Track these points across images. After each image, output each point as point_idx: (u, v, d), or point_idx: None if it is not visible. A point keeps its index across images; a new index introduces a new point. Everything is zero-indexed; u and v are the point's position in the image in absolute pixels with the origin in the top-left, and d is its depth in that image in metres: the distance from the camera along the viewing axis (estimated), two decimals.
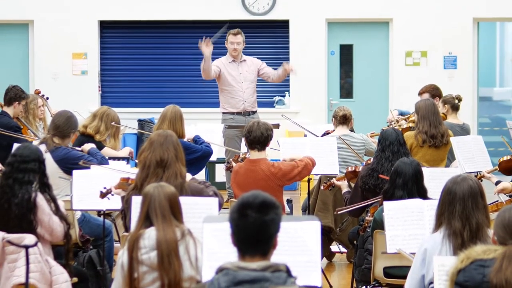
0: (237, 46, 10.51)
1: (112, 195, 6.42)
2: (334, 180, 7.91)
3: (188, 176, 6.42)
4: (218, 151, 9.44)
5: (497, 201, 6.98)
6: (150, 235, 4.86)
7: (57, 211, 5.97)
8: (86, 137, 8.01)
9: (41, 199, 5.87)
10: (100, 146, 8.02)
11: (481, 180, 7.57)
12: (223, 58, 10.65)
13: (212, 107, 13.65)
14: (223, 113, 10.64)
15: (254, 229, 3.41)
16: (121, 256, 4.92)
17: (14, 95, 9.12)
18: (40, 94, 9.74)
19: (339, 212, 7.41)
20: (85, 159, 7.34)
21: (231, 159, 8.34)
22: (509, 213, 3.99)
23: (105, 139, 8.25)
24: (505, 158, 8.02)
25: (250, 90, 10.61)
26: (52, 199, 5.98)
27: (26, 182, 5.86)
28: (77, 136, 8.01)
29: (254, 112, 10.63)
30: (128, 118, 13.21)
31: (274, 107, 14.14)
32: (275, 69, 10.93)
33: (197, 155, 8.17)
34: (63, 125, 7.46)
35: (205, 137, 8.70)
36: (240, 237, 3.44)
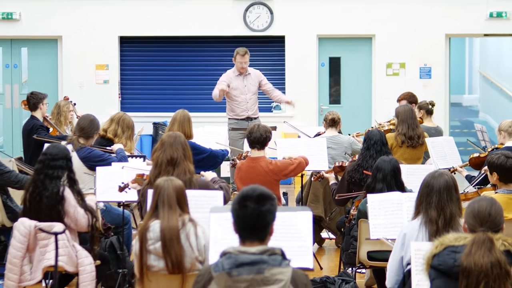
0: (245, 65, 10.57)
1: (129, 189, 6.40)
2: (323, 172, 7.93)
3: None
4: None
5: (467, 191, 6.98)
6: (154, 228, 4.86)
7: (82, 203, 5.96)
8: (105, 140, 7.95)
9: (68, 193, 5.86)
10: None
11: (454, 173, 7.63)
12: (230, 71, 10.65)
13: (218, 111, 13.66)
14: (229, 118, 10.64)
15: (253, 218, 3.41)
16: (135, 245, 4.94)
17: (36, 99, 9.13)
18: (69, 100, 9.74)
19: (339, 198, 7.39)
20: (105, 158, 7.32)
21: (235, 157, 8.33)
22: (478, 204, 3.99)
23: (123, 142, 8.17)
24: (475, 155, 8.13)
25: (253, 100, 10.63)
26: (78, 193, 5.96)
27: (55, 177, 5.85)
28: (97, 138, 7.91)
29: (255, 118, 10.65)
30: (145, 121, 13.25)
31: (272, 111, 14.13)
32: (272, 83, 11.03)
33: (205, 156, 8.13)
34: (87, 127, 7.45)
35: (211, 139, 8.68)
36: (241, 225, 3.43)
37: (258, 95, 10.90)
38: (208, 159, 8.15)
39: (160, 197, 4.89)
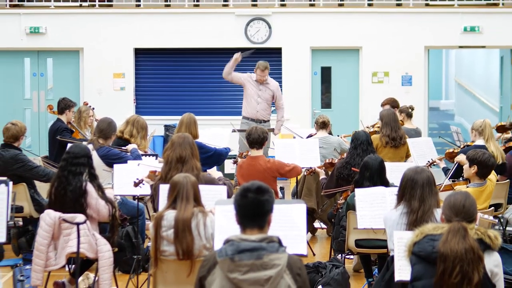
0: (263, 77, 10.56)
1: (143, 184, 6.40)
2: (315, 167, 7.93)
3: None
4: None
5: (441, 184, 7.01)
6: (167, 217, 4.87)
7: (103, 195, 5.95)
8: (123, 141, 7.97)
9: (90, 187, 5.85)
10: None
11: (434, 164, 7.69)
12: (253, 75, 10.69)
13: (221, 115, 13.68)
14: (243, 116, 10.68)
15: (253, 206, 3.41)
16: (151, 231, 4.95)
17: (65, 105, 9.14)
18: (88, 105, 9.74)
19: (325, 194, 7.40)
20: (121, 156, 7.32)
21: (236, 156, 8.32)
22: (454, 197, 4.01)
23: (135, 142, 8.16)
24: (450, 150, 8.26)
25: (263, 105, 10.63)
26: (98, 186, 5.96)
27: (78, 173, 5.84)
28: (115, 139, 7.94)
29: (265, 121, 10.64)
30: (157, 123, 13.24)
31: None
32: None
33: (210, 154, 8.10)
34: (106, 128, 7.46)
35: (215, 139, 8.65)
36: (242, 213, 3.43)
37: None
38: (214, 157, 8.12)
39: (179, 192, 4.91)
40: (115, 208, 6.02)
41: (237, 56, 10.57)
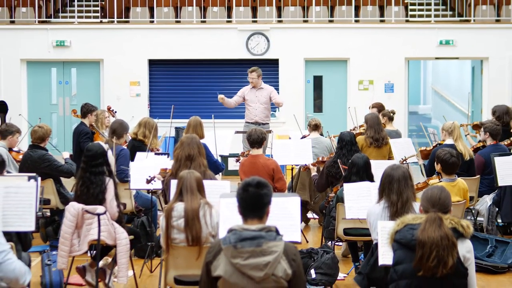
0: (253, 80, 10.52)
1: (155, 181, 6.39)
2: (309, 164, 7.93)
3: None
4: (229, 149, 9.36)
5: (418, 183, 7.00)
6: (177, 209, 4.86)
7: (116, 192, 5.91)
8: (137, 142, 7.97)
9: (110, 184, 5.83)
10: (144, 149, 7.96)
11: (405, 162, 7.67)
12: (247, 86, 10.70)
13: (225, 118, 13.66)
14: (246, 121, 10.70)
15: (253, 199, 3.40)
16: (162, 222, 4.93)
17: (87, 109, 9.14)
18: (111, 109, 9.78)
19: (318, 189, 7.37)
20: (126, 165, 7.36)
21: (239, 154, 8.29)
22: (431, 191, 4.01)
23: (149, 142, 8.14)
24: (422, 148, 8.23)
25: (261, 109, 10.58)
26: (114, 182, 5.94)
27: (98, 173, 5.81)
28: (130, 140, 7.96)
29: (264, 124, 10.62)
30: (168, 126, 13.21)
31: None
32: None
33: (211, 162, 8.00)
34: (118, 128, 7.53)
35: (219, 140, 8.62)
36: (244, 205, 3.43)
37: None
38: (212, 166, 7.97)
39: (184, 186, 4.91)
40: (121, 211, 5.99)
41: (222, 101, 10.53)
